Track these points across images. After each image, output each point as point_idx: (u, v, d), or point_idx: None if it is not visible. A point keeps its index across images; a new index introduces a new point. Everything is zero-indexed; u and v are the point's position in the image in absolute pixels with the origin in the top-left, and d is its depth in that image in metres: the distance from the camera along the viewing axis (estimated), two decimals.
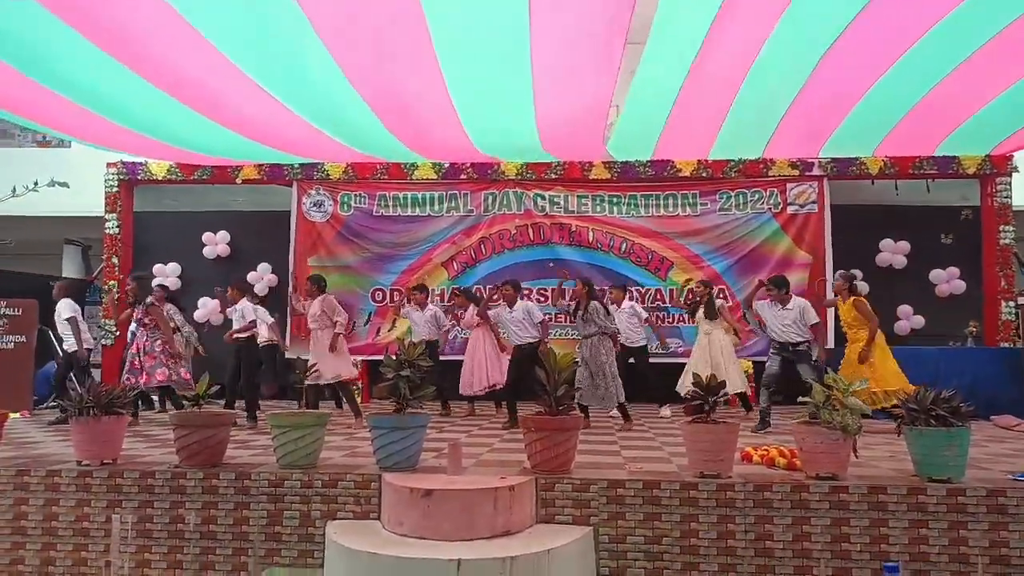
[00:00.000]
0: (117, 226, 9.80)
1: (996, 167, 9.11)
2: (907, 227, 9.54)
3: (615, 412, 6.82)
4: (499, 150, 9.33)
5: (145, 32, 5.83)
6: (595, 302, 6.58)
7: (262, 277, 9.98)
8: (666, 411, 7.74)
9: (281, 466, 4.24)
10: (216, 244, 10.20)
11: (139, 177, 9.86)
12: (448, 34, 6.14)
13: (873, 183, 9.47)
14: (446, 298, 9.72)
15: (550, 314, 8.74)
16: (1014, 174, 9.16)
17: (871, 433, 5.85)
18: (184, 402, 5.13)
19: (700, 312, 7.75)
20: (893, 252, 9.53)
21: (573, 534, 3.77)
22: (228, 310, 7.38)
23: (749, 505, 3.83)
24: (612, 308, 7.39)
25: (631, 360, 7.77)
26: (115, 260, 9.72)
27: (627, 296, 8.37)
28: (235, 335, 6.92)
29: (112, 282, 9.64)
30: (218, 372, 9.24)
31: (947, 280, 9.43)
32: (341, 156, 9.36)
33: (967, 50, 6.44)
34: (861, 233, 9.40)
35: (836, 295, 7.04)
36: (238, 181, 9.77)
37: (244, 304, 7.11)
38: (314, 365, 6.16)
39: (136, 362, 7.03)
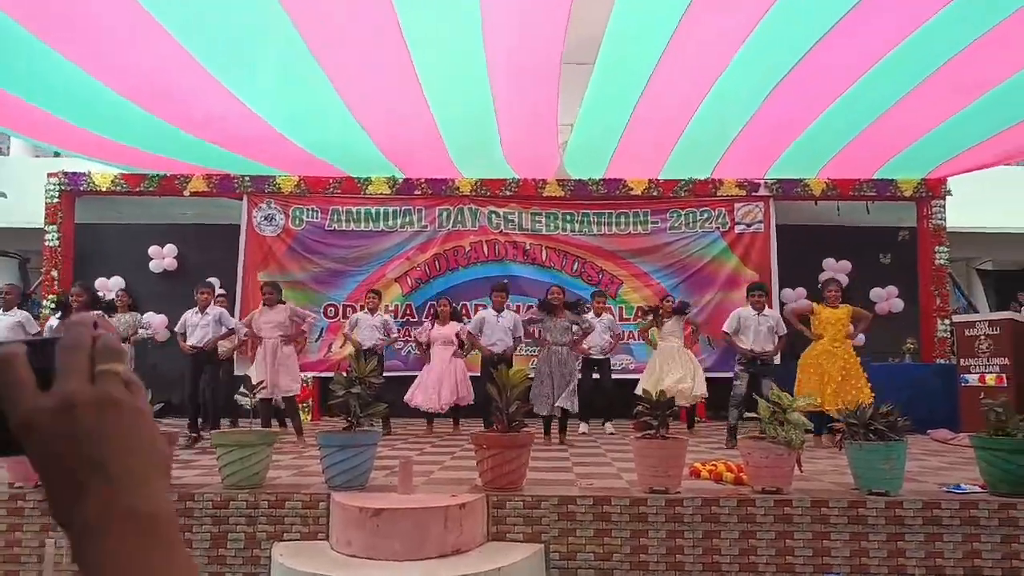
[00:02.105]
0: (57, 238, 9.47)
1: (931, 191, 9.51)
2: (849, 247, 9.87)
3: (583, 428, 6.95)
4: (470, 166, 9.37)
5: (99, 26, 5.67)
6: (570, 312, 6.72)
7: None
8: (609, 427, 7.79)
9: (226, 486, 4.13)
10: (163, 258, 9.93)
11: (82, 188, 9.58)
12: (422, 44, 6.22)
13: (816, 204, 9.79)
14: (400, 314, 9.67)
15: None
16: (948, 197, 9.58)
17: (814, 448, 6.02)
18: None
19: (669, 323, 7.80)
20: (835, 271, 9.81)
21: (524, 551, 3.76)
22: (196, 314, 7.04)
23: (697, 520, 3.88)
24: (590, 318, 7.55)
25: (595, 375, 7.83)
26: (55, 273, 9.39)
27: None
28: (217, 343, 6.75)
29: (51, 296, 9.29)
30: (166, 389, 9.16)
31: (886, 298, 9.78)
32: (301, 163, 9.13)
33: (907, 86, 6.81)
34: (805, 252, 9.68)
35: (826, 303, 6.96)
36: (186, 193, 9.57)
37: (220, 309, 6.91)
38: (261, 381, 5.99)
39: None
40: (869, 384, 6.52)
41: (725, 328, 6.85)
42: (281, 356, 6.64)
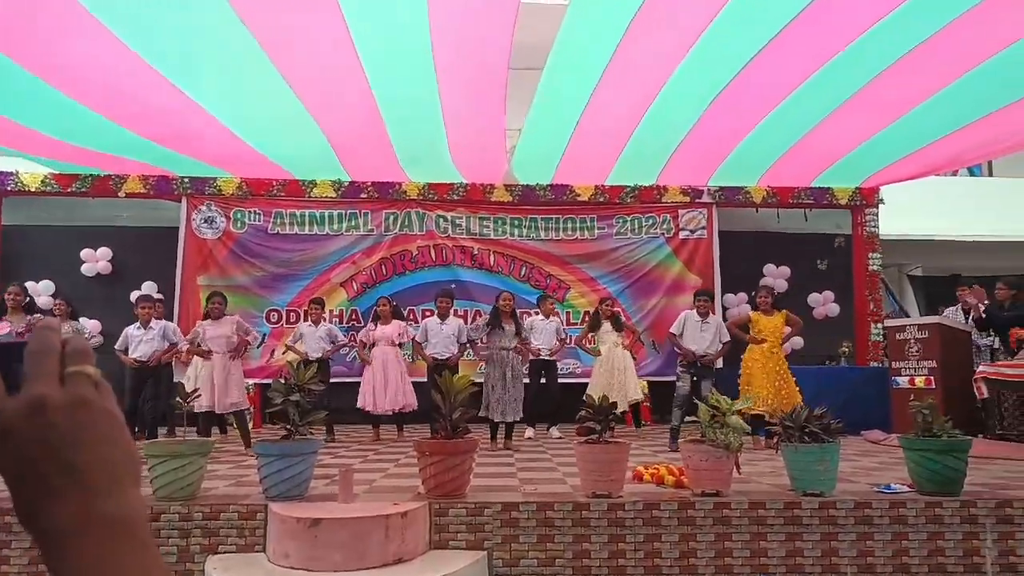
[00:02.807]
0: None
1: (865, 199, 9.86)
2: (788, 253, 10.16)
3: (529, 433, 6.99)
4: (417, 169, 9.28)
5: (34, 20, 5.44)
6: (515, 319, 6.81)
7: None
8: (555, 432, 7.84)
9: (158, 498, 3.98)
10: (96, 261, 9.56)
11: (8, 188, 9.17)
12: (370, 46, 6.17)
13: (757, 211, 10.04)
14: (345, 319, 9.54)
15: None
16: (880, 206, 9.96)
17: (753, 450, 6.16)
18: None
19: (607, 326, 7.97)
20: (775, 276, 10.11)
21: (466, 559, 3.73)
22: (139, 330, 6.81)
23: (639, 524, 3.91)
24: (539, 320, 7.65)
25: (543, 378, 7.84)
26: None
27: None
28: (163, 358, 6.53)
29: None
30: None
31: (823, 303, 10.09)
32: (243, 160, 8.81)
33: (839, 99, 7.09)
34: (746, 258, 9.92)
35: (760, 309, 7.19)
36: (121, 194, 9.25)
37: (164, 323, 6.70)
38: (197, 389, 5.81)
39: None
40: (799, 388, 6.72)
41: (672, 329, 7.03)
42: (232, 369, 6.47)
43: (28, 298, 6.66)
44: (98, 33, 5.55)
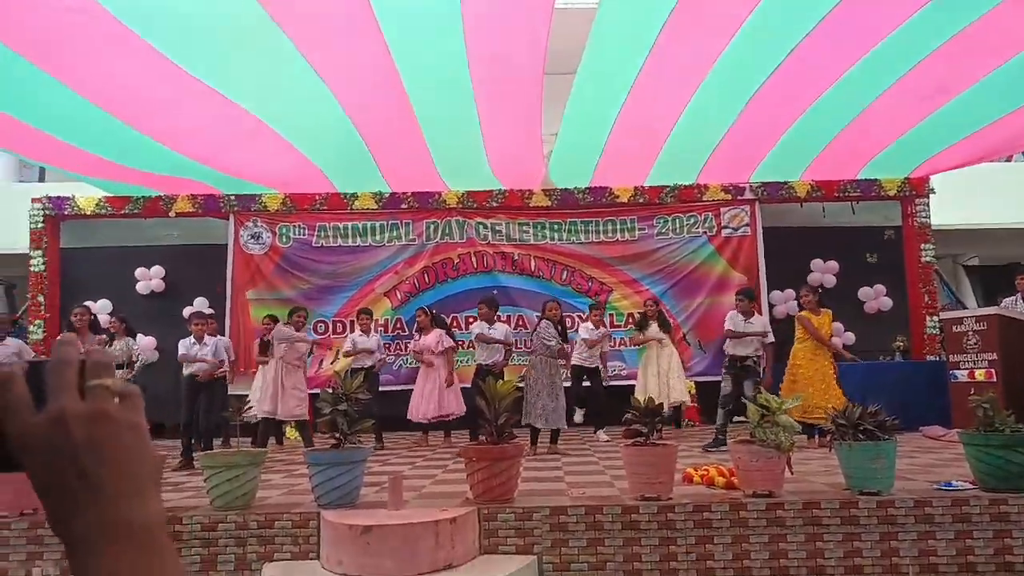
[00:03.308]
0: (43, 263, 9.42)
1: (915, 189, 9.57)
2: (835, 247, 9.91)
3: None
4: (456, 178, 9.38)
5: (75, 40, 5.64)
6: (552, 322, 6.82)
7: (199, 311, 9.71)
8: (603, 435, 7.79)
9: (215, 508, 4.09)
10: (150, 279, 9.87)
11: (66, 212, 9.53)
12: (407, 56, 6.28)
13: (802, 206, 9.83)
14: (390, 328, 9.66)
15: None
16: (931, 196, 9.65)
17: (806, 448, 6.03)
18: None
19: (653, 326, 7.93)
20: (823, 272, 9.87)
21: (516, 564, 3.74)
22: (194, 345, 7.02)
23: (689, 526, 3.87)
24: (587, 327, 7.74)
25: (585, 381, 7.83)
26: (41, 299, 9.33)
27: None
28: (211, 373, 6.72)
29: (38, 321, 9.24)
30: (157, 411, 9.07)
31: (875, 297, 9.82)
32: (289, 172, 8.94)
33: (882, 86, 6.90)
34: (792, 254, 9.71)
35: (806, 309, 6.99)
36: (171, 214, 9.54)
37: (218, 339, 6.93)
38: (249, 404, 5.99)
39: None
40: (842, 388, 6.57)
41: (728, 326, 6.90)
42: (296, 379, 6.70)
43: (93, 317, 6.90)
44: (139, 49, 5.72)
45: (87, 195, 9.47)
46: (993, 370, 7.05)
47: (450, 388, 7.61)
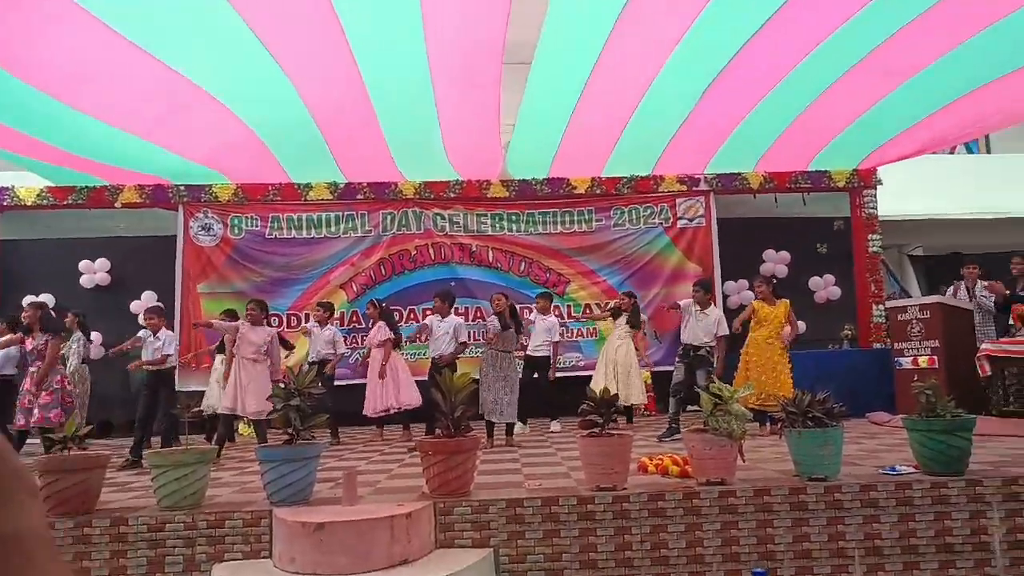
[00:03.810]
0: None
1: (863, 181, 9.82)
2: (787, 238, 10.12)
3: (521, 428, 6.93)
4: (412, 168, 9.25)
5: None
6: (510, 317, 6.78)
7: (146, 306, 9.44)
8: (555, 426, 7.84)
9: (162, 508, 3.99)
10: (95, 272, 9.57)
11: (5, 203, 9.17)
12: (364, 44, 6.15)
13: (755, 197, 10.00)
14: (346, 321, 9.54)
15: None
16: (879, 187, 9.91)
17: (758, 436, 6.15)
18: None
19: (622, 319, 7.96)
20: (775, 262, 10.08)
21: (473, 557, 3.72)
22: (145, 338, 6.76)
23: (644, 515, 3.90)
24: (537, 317, 7.74)
25: (535, 374, 7.84)
26: None
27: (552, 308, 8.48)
28: (146, 366, 6.48)
29: None
30: (105, 408, 8.82)
31: (824, 287, 10.06)
32: (242, 154, 8.52)
33: (832, 76, 7.04)
34: (746, 244, 9.89)
35: (761, 299, 7.15)
36: (117, 205, 9.25)
37: (167, 333, 6.67)
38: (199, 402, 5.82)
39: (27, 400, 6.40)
40: (791, 379, 6.65)
41: (681, 302, 7.11)
42: (257, 376, 6.44)
43: (40, 313, 6.64)
44: (71, 14, 5.45)
45: (28, 185, 9.11)
46: (935, 357, 7.29)
47: (404, 380, 7.55)
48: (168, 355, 6.50)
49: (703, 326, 6.75)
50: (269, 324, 6.73)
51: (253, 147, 8.20)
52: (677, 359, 6.92)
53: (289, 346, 6.95)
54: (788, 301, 7.01)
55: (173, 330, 8.68)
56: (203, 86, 6.71)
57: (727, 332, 6.86)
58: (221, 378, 7.18)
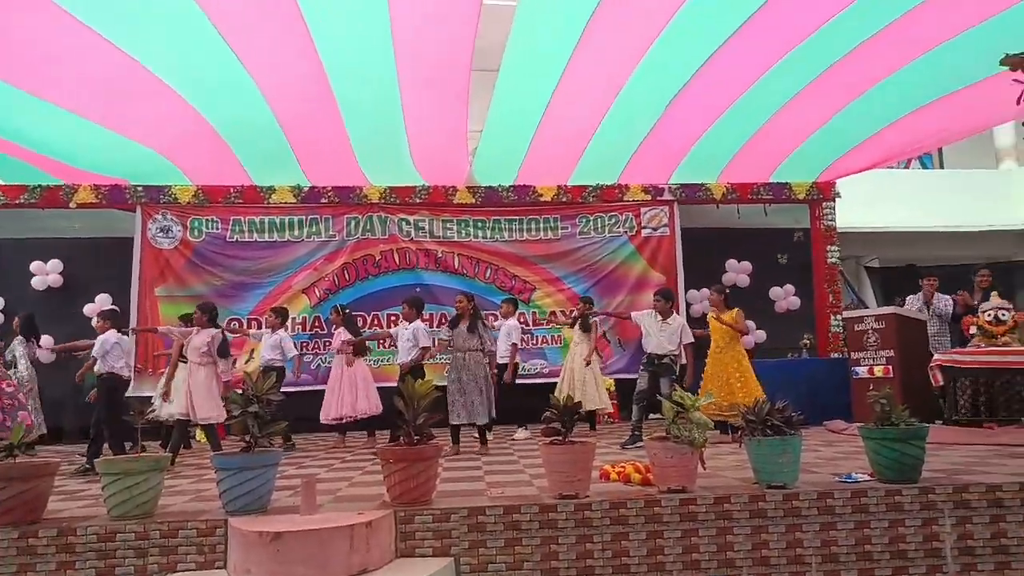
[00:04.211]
0: None
1: (822, 193, 10.04)
2: (749, 248, 10.29)
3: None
4: (378, 173, 9.16)
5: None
6: (479, 318, 6.74)
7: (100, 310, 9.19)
8: (521, 433, 7.82)
9: (112, 517, 3.86)
10: (47, 274, 9.29)
11: None
12: (332, 48, 6.08)
13: (718, 207, 10.15)
14: (308, 327, 9.41)
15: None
16: (837, 199, 10.13)
17: (719, 443, 6.22)
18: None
19: (578, 325, 8.00)
20: (737, 272, 10.23)
21: (434, 566, 3.68)
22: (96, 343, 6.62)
23: (606, 523, 3.90)
24: (501, 323, 7.78)
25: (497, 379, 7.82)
26: None
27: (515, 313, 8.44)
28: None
29: None
30: (55, 413, 8.55)
31: (784, 297, 10.24)
32: (202, 151, 8.34)
33: (793, 90, 7.20)
34: (708, 254, 10.03)
35: (713, 307, 7.24)
36: (72, 205, 9.00)
37: (107, 337, 6.48)
38: (151, 407, 5.67)
39: None
40: (758, 384, 6.70)
41: (633, 314, 7.23)
42: (207, 381, 6.30)
43: None
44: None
45: None
46: (891, 367, 7.46)
47: (363, 388, 7.49)
48: (98, 357, 6.33)
49: (667, 335, 6.80)
50: (216, 326, 6.58)
51: (214, 145, 8.03)
52: (641, 367, 6.94)
53: (224, 353, 6.76)
54: (736, 309, 6.97)
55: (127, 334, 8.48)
56: (161, 76, 6.53)
57: (692, 340, 6.94)
58: (179, 384, 7.01)
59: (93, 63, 6.18)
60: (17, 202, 8.92)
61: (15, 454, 3.97)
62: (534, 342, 9.63)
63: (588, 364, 7.79)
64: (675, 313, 7.08)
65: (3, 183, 8.85)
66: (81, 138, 7.57)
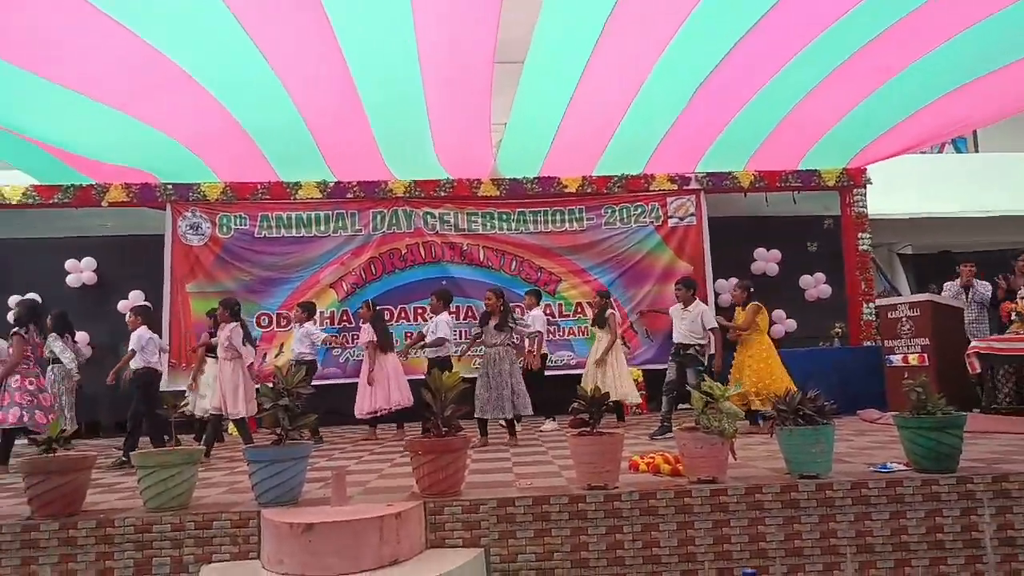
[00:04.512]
0: None
1: (852, 179, 9.85)
2: (778, 237, 10.14)
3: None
4: (402, 167, 9.19)
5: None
6: (509, 314, 6.76)
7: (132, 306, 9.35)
8: (549, 424, 7.82)
9: (148, 509, 3.94)
10: (81, 272, 9.49)
11: None
12: (355, 43, 6.11)
13: (745, 196, 10.01)
14: (336, 320, 9.49)
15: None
16: (868, 185, 9.94)
17: (749, 434, 6.15)
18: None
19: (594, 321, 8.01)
20: (766, 260, 10.10)
21: (463, 557, 3.69)
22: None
23: (635, 514, 3.88)
24: (538, 315, 7.83)
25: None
26: None
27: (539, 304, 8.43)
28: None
29: None
30: (91, 410, 8.76)
31: (815, 285, 10.09)
32: (230, 146, 8.35)
33: (821, 75, 7.06)
34: (736, 243, 9.90)
35: (735, 303, 7.27)
36: (104, 204, 9.15)
37: (147, 332, 6.64)
38: (185, 401, 5.79)
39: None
40: (776, 375, 6.67)
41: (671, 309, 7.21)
42: (233, 376, 6.45)
43: (31, 312, 6.57)
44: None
45: (14, 184, 9.01)
46: (925, 355, 7.32)
47: (395, 381, 7.56)
48: (136, 351, 6.45)
49: (687, 323, 6.77)
50: (238, 320, 6.73)
51: (240, 142, 8.10)
52: (670, 358, 6.92)
53: (248, 341, 6.91)
54: (750, 306, 6.95)
55: (162, 328, 8.67)
56: (188, 70, 6.56)
57: (714, 325, 6.87)
58: (211, 380, 7.16)
59: (117, 53, 6.16)
60: (51, 202, 9.10)
61: (54, 448, 4.07)
62: (560, 334, 9.61)
63: (600, 364, 7.66)
64: (697, 300, 7.01)
65: (37, 183, 9.03)
66: (107, 126, 7.50)
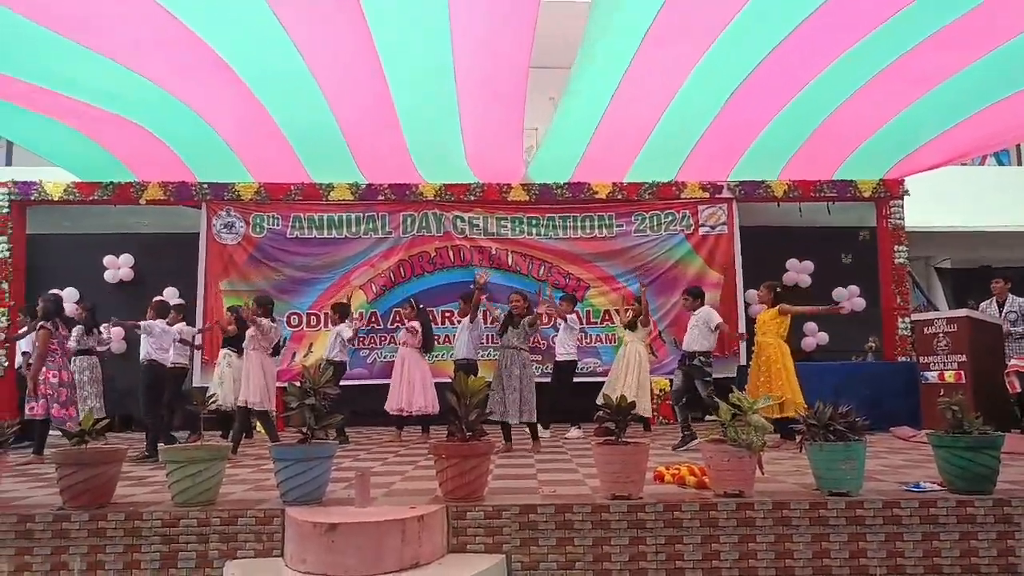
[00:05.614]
0: (8, 249, 9.16)
1: (889, 191, 9.65)
2: (811, 247, 9.98)
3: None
4: (432, 171, 9.24)
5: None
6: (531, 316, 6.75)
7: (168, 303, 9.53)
8: (574, 432, 7.77)
9: (176, 504, 3.99)
10: (119, 268, 9.70)
11: (32, 197, 9.28)
12: (391, 49, 6.16)
13: (779, 205, 9.86)
14: (365, 322, 9.56)
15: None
16: (906, 197, 9.73)
17: (776, 448, 6.05)
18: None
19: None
20: (798, 271, 9.94)
21: (484, 563, 3.68)
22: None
23: (660, 526, 3.84)
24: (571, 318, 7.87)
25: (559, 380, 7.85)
26: (5, 286, 9.09)
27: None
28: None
29: (1, 309, 9.01)
30: (123, 403, 8.94)
31: (848, 298, 9.88)
32: (265, 146, 8.46)
33: (857, 83, 6.94)
34: (768, 253, 9.76)
35: (761, 302, 7.21)
36: (142, 201, 9.33)
37: (159, 324, 6.86)
38: (213, 396, 5.87)
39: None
40: (790, 382, 6.51)
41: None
42: (254, 368, 6.73)
43: (55, 307, 6.78)
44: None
45: (55, 180, 9.24)
46: (962, 372, 7.13)
47: (419, 385, 7.60)
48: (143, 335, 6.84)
49: (696, 329, 6.76)
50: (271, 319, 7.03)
51: (276, 142, 8.18)
52: (677, 366, 6.95)
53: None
54: (779, 307, 6.77)
55: (195, 326, 8.84)
56: (226, 58, 6.60)
57: (719, 321, 6.83)
58: (236, 373, 7.32)
59: (156, 30, 6.11)
60: (91, 199, 9.31)
61: (86, 440, 4.15)
62: (588, 341, 9.55)
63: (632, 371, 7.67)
64: (708, 307, 6.98)
65: (78, 180, 9.24)
66: (150, 99, 7.34)
